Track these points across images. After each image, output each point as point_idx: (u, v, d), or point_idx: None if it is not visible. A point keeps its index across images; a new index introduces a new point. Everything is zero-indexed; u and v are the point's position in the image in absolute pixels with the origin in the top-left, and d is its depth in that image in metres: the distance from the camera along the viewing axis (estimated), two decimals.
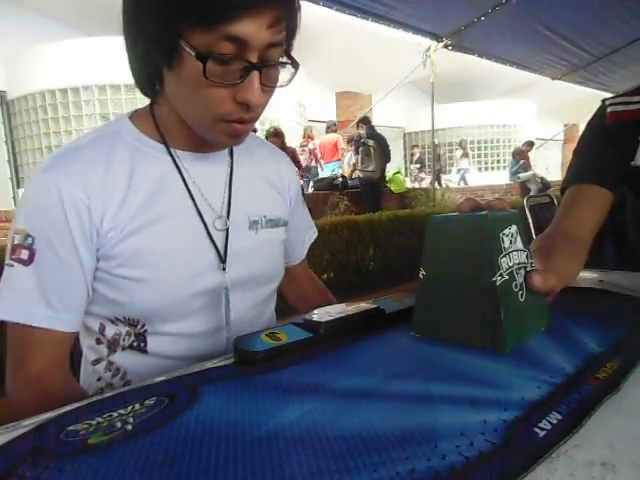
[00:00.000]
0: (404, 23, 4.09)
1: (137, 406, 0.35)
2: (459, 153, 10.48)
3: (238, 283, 0.63)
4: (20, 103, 6.90)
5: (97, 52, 6.09)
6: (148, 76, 0.57)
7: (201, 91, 0.51)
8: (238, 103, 0.51)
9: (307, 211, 0.82)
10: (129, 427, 0.32)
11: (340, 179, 6.41)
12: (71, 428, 0.32)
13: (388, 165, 6.16)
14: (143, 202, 0.58)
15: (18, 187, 7.31)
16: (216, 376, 0.41)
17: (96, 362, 0.63)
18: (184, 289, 0.59)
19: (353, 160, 6.53)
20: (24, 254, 0.53)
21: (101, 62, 6.04)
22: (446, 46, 4.58)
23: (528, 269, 0.48)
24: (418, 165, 10.17)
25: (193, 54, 0.47)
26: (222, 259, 0.61)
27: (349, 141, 6.89)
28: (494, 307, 0.43)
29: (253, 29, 0.47)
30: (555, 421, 0.30)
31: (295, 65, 0.54)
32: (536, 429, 0.29)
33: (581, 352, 0.41)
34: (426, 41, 4.67)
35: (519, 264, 0.46)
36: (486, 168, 11.11)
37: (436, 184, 6.63)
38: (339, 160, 7.42)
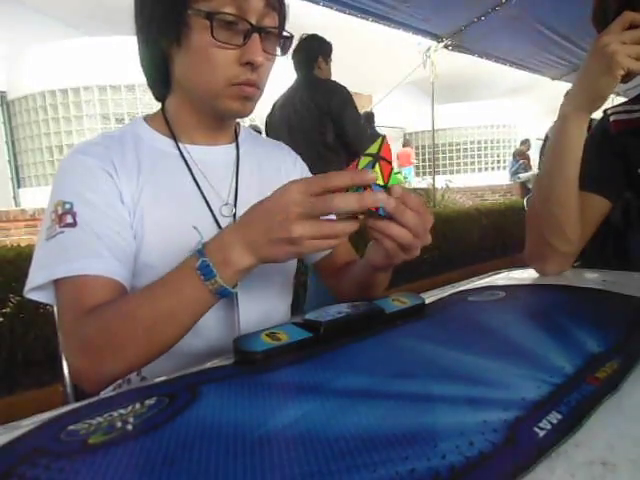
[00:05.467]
0: (404, 23, 4.08)
1: (137, 406, 0.35)
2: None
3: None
4: (20, 103, 6.90)
5: (97, 52, 6.09)
6: (159, 67, 0.63)
7: (209, 56, 0.57)
8: (243, 65, 0.58)
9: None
10: (129, 427, 0.32)
11: None
12: (71, 428, 0.32)
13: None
14: (149, 192, 0.62)
15: (18, 187, 7.31)
16: (216, 376, 0.41)
17: None
18: None
19: None
20: (69, 218, 0.56)
21: (101, 62, 6.04)
22: (446, 46, 4.57)
23: None
24: None
25: (202, 15, 0.55)
26: None
27: None
28: None
29: None
30: (555, 421, 0.30)
31: (289, 38, 0.63)
32: (536, 429, 0.29)
33: (581, 352, 0.41)
34: (426, 41, 4.67)
35: None
36: (486, 168, 11.10)
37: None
38: (411, 165, 9.94)
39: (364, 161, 0.50)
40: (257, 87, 0.61)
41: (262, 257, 0.48)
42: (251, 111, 0.63)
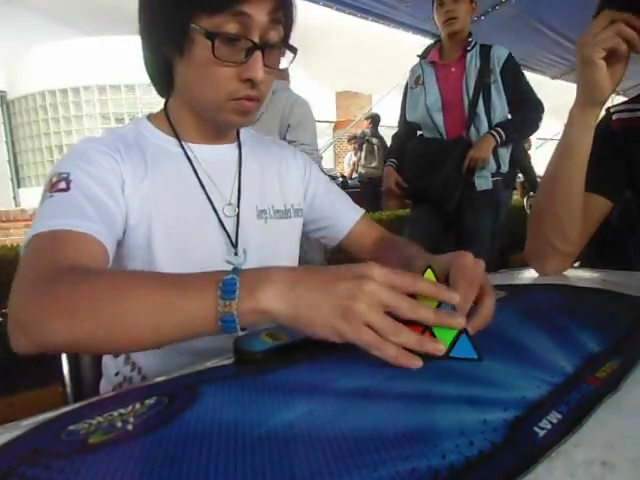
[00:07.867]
0: (404, 23, 4.08)
1: (137, 406, 0.35)
2: None
3: None
4: (20, 103, 6.90)
5: (97, 52, 6.10)
6: (161, 71, 0.63)
7: (210, 71, 0.56)
8: (244, 81, 0.57)
9: (344, 196, 0.86)
10: (129, 427, 0.32)
11: (340, 179, 6.40)
12: (71, 428, 0.32)
13: None
14: (154, 189, 0.61)
15: (18, 187, 7.31)
16: (216, 376, 0.41)
17: (116, 354, 0.65)
18: None
19: (353, 159, 6.51)
20: (62, 184, 0.55)
21: (101, 62, 6.05)
22: None
23: None
24: None
25: (203, 33, 0.54)
26: (233, 244, 0.65)
27: (349, 140, 6.88)
28: None
29: (255, 10, 0.54)
30: (555, 421, 0.30)
31: (293, 50, 0.61)
32: (536, 429, 0.29)
33: (581, 352, 0.41)
34: (426, 41, 4.67)
35: None
36: None
37: None
38: None
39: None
40: (257, 101, 0.60)
41: (293, 315, 0.40)
42: (251, 122, 0.63)
